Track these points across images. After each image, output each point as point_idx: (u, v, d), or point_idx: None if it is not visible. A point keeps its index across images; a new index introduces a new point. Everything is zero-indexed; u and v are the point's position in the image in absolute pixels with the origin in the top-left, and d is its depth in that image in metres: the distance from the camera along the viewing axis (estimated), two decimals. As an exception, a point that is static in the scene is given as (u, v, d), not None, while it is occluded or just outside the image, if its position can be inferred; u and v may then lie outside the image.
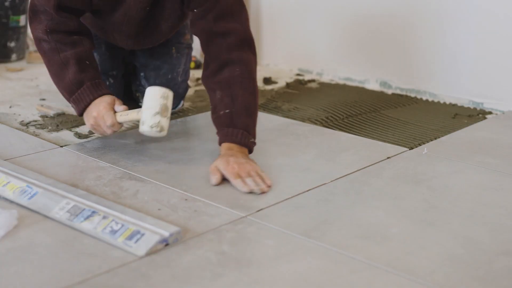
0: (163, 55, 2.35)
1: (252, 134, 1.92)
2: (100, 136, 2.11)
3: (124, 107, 1.91)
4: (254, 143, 1.92)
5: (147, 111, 1.81)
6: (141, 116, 1.83)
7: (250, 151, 1.91)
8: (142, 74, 2.37)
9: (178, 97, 2.38)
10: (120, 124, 1.90)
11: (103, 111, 1.89)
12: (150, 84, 2.28)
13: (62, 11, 1.96)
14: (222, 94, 1.92)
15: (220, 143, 1.91)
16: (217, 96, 1.93)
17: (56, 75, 1.98)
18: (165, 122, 1.82)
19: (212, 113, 1.95)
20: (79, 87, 1.94)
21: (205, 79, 1.99)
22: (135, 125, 2.24)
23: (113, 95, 1.97)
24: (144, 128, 1.82)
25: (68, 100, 1.99)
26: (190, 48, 2.45)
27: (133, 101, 2.43)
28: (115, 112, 1.90)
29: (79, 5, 1.99)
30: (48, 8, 1.94)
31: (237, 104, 1.90)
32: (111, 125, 1.88)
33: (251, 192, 1.73)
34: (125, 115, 1.89)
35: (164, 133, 1.83)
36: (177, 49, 2.38)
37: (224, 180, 1.79)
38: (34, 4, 1.98)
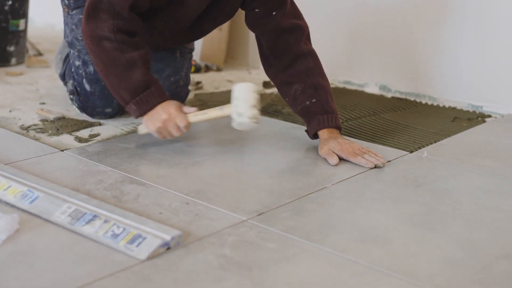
0: (167, 58, 2.36)
1: (336, 113, 2.10)
2: (100, 141, 2.12)
3: (194, 108, 2.00)
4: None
5: (244, 104, 1.92)
6: (235, 109, 1.93)
7: (341, 130, 2.11)
8: None
9: (180, 101, 2.39)
10: (190, 125, 1.99)
11: (176, 114, 1.95)
12: None
13: (133, 11, 1.97)
14: (303, 86, 2.08)
15: (317, 130, 2.06)
16: (297, 88, 2.08)
17: (118, 75, 1.96)
18: (258, 114, 1.94)
19: (294, 105, 2.10)
20: (146, 89, 1.95)
21: (275, 74, 2.14)
22: (136, 129, 2.25)
23: None
24: (243, 120, 1.92)
25: (128, 101, 1.97)
26: (192, 53, 2.47)
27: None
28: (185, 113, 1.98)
29: (147, 4, 2.00)
30: (122, 7, 1.93)
31: (321, 92, 2.07)
32: (185, 126, 1.96)
33: (376, 167, 1.96)
34: (201, 114, 1.99)
35: (258, 124, 1.95)
36: (181, 53, 2.40)
37: (224, 181, 1.79)
38: (97, 2, 1.95)
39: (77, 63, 2.31)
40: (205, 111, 2.00)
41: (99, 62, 1.98)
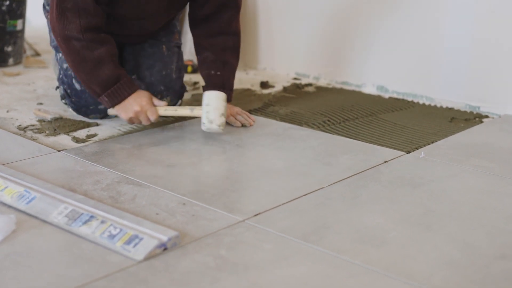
0: (154, 53, 2.38)
1: (232, 89, 2.33)
2: (97, 141, 2.12)
3: (164, 102, 2.17)
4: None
5: (215, 112, 2.13)
6: (206, 115, 2.12)
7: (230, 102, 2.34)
8: (134, 76, 2.37)
9: (176, 94, 2.40)
10: (160, 117, 2.17)
11: (147, 106, 2.12)
12: (146, 83, 2.32)
13: (97, 3, 2.06)
14: (215, 57, 2.28)
15: None
16: (209, 56, 2.29)
17: (89, 72, 2.10)
18: (225, 122, 2.16)
19: (201, 67, 2.31)
20: (116, 82, 2.11)
21: (198, 35, 2.33)
22: (133, 129, 2.25)
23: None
24: (213, 126, 2.12)
25: (100, 94, 2.12)
26: (179, 47, 2.48)
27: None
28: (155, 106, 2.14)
29: None
30: (86, 2, 2.03)
31: (227, 69, 2.30)
32: (155, 120, 2.13)
33: (243, 126, 2.31)
34: (172, 110, 2.18)
35: (223, 131, 2.16)
36: (168, 48, 2.44)
37: (221, 181, 1.79)
38: (61, 1, 2.03)
39: (65, 65, 2.32)
40: (176, 107, 2.22)
41: (69, 60, 2.12)
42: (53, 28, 2.10)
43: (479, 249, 1.52)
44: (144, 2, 2.18)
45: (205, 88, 2.32)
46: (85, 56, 2.07)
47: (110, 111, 2.20)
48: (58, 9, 2.05)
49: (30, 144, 2.09)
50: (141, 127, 2.27)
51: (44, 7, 2.46)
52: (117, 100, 2.12)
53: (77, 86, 2.30)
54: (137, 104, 2.12)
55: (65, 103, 2.40)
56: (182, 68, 2.46)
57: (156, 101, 2.16)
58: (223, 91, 2.23)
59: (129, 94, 2.12)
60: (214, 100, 2.15)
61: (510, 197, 1.82)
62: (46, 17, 2.43)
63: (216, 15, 2.29)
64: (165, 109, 2.16)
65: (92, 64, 2.08)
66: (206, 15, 2.29)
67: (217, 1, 2.27)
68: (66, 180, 1.82)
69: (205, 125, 2.13)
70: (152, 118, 2.13)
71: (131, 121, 2.15)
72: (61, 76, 2.36)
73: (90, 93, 2.16)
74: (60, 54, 2.35)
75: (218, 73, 2.29)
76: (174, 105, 2.40)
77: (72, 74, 2.30)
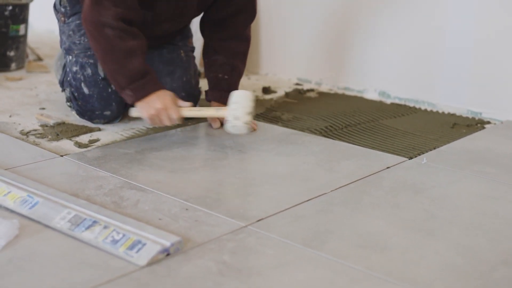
0: (174, 60, 2.40)
1: None
2: (99, 146, 2.12)
3: (188, 103, 2.14)
4: None
5: (242, 110, 2.08)
6: (233, 113, 2.08)
7: None
8: None
9: (195, 99, 2.41)
10: (182, 118, 2.13)
11: (170, 105, 2.08)
12: (168, 89, 2.32)
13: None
14: (224, 61, 2.32)
15: (214, 99, 2.34)
16: (219, 58, 2.32)
17: (118, 62, 2.07)
18: (250, 120, 2.11)
19: (208, 68, 2.35)
20: (143, 77, 2.07)
21: (209, 37, 2.37)
22: (135, 134, 2.25)
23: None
24: (238, 123, 2.08)
25: (124, 87, 2.08)
26: (193, 51, 2.51)
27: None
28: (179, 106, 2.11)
29: None
30: None
31: (234, 74, 2.35)
32: (177, 118, 2.10)
33: None
34: (196, 111, 2.18)
35: (248, 131, 2.13)
36: (185, 52, 2.46)
37: (223, 187, 1.79)
38: None
39: (75, 68, 2.32)
40: (200, 108, 2.18)
41: (98, 48, 2.08)
42: (84, 16, 2.08)
43: (481, 254, 1.52)
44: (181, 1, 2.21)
45: (210, 91, 2.35)
46: (115, 45, 2.05)
47: (132, 112, 2.15)
48: None
49: (33, 149, 2.09)
50: (143, 132, 2.27)
51: (54, 7, 2.44)
52: (141, 94, 2.08)
53: (85, 90, 2.31)
54: (160, 102, 2.07)
55: (69, 106, 2.40)
56: (197, 73, 2.50)
57: (180, 102, 2.13)
58: (228, 95, 2.20)
59: (154, 91, 2.08)
60: (242, 98, 2.11)
61: (512, 203, 1.82)
62: (58, 17, 2.42)
63: (232, 19, 2.32)
64: (189, 109, 2.14)
65: (122, 55, 2.05)
66: (222, 19, 2.31)
67: (237, 5, 2.29)
68: (69, 185, 1.82)
69: (230, 123, 2.09)
70: (174, 116, 2.09)
71: (152, 119, 2.10)
72: (69, 78, 2.36)
73: (114, 85, 2.12)
74: (70, 57, 2.35)
75: (226, 77, 2.31)
76: None
77: (82, 78, 2.31)
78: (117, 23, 2.04)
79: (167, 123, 2.11)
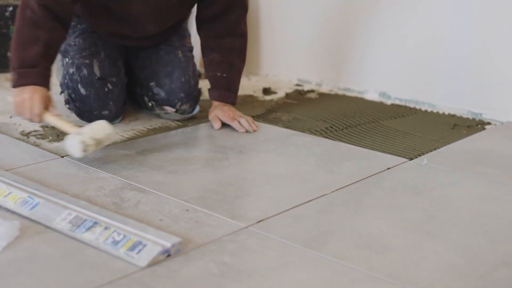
0: (172, 60, 2.39)
1: (237, 92, 2.41)
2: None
3: (57, 112, 2.05)
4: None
5: (90, 132, 1.93)
6: (80, 130, 1.94)
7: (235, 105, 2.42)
8: (152, 83, 2.39)
9: (194, 100, 2.42)
10: (42, 120, 2.04)
11: (36, 100, 2.01)
12: (166, 91, 2.33)
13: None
14: (221, 59, 2.33)
15: (214, 98, 2.37)
16: (216, 57, 2.33)
17: (20, 43, 2.07)
18: (92, 149, 1.95)
19: (207, 68, 2.36)
20: (32, 67, 2.05)
21: (205, 36, 2.36)
22: (136, 135, 2.25)
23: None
24: (75, 139, 1.91)
25: (13, 68, 2.07)
26: (192, 51, 2.49)
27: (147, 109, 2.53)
28: (45, 109, 2.03)
29: None
30: None
31: (233, 71, 2.36)
32: (36, 114, 2.01)
33: (246, 131, 2.31)
34: (55, 120, 2.04)
35: (80, 155, 1.93)
36: (183, 52, 2.45)
37: (224, 188, 1.80)
38: None
39: (71, 70, 2.33)
40: (65, 121, 2.04)
41: (16, 24, 2.10)
42: None
43: (481, 255, 1.52)
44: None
45: (211, 90, 2.36)
46: (25, 27, 2.06)
47: (11, 98, 2.10)
48: None
49: (33, 150, 2.09)
50: (144, 133, 2.28)
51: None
52: (20, 81, 2.04)
53: (82, 91, 2.31)
54: (30, 93, 2.01)
55: (69, 108, 2.40)
56: (196, 73, 2.48)
57: (51, 107, 2.05)
58: (228, 93, 2.28)
59: (33, 83, 2.04)
60: (98, 124, 1.98)
61: (512, 204, 1.82)
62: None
63: (223, 15, 2.31)
64: (51, 115, 2.04)
65: (26, 39, 2.06)
66: (214, 16, 2.31)
67: (225, 0, 2.29)
68: (70, 186, 1.82)
69: (69, 138, 1.94)
70: (34, 111, 2.00)
71: (16, 105, 2.04)
72: (66, 81, 2.37)
73: (10, 61, 2.11)
74: (67, 59, 2.36)
75: (224, 75, 2.33)
76: (192, 111, 2.42)
77: (78, 79, 2.31)
78: (38, 8, 2.05)
79: (27, 115, 2.03)
